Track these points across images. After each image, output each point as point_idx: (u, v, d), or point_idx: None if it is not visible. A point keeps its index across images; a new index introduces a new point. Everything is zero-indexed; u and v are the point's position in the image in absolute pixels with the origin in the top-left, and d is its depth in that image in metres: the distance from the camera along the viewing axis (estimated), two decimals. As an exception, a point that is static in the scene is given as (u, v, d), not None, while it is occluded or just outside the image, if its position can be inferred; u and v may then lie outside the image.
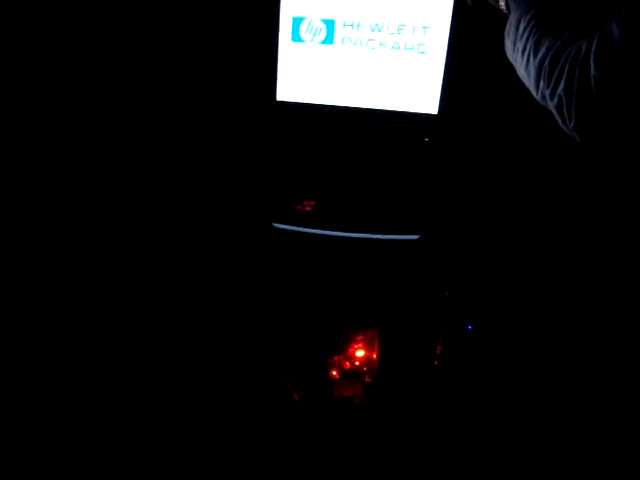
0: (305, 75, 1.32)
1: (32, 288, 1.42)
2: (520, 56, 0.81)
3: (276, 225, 1.31)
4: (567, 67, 0.66)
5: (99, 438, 1.38)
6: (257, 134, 1.35)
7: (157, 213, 1.42)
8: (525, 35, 0.79)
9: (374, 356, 1.44)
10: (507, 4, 0.90)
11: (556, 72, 0.69)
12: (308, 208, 1.33)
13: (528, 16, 0.80)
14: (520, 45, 0.81)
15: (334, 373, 1.43)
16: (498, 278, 1.42)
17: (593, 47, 0.62)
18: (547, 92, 0.71)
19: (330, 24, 1.29)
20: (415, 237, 1.31)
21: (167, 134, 1.39)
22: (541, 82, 0.73)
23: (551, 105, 0.71)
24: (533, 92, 0.78)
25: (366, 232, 1.30)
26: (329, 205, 1.34)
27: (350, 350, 1.44)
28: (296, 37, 1.30)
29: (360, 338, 1.44)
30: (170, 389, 1.44)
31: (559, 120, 0.71)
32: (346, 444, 1.40)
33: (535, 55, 0.75)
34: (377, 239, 1.29)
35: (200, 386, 1.44)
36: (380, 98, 1.34)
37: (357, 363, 1.44)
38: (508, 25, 0.87)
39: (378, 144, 1.35)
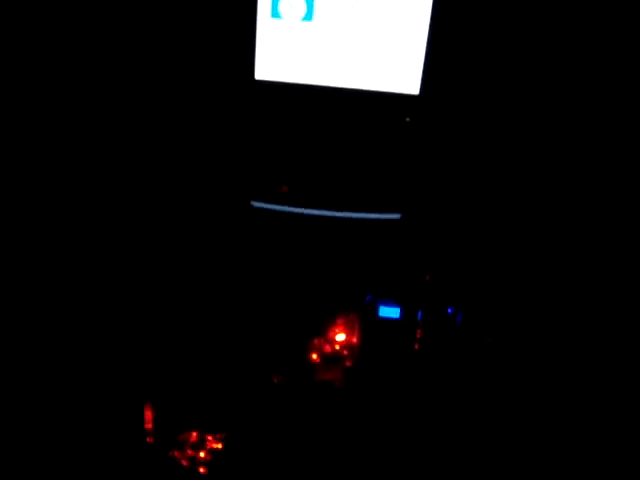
0: (284, 53, 1.30)
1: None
2: None
3: (255, 204, 1.29)
4: None
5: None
6: (235, 113, 1.32)
7: (133, 193, 1.39)
8: None
9: (354, 340, 1.42)
10: None
11: None
12: (287, 187, 1.31)
13: None
14: None
15: (314, 357, 1.41)
16: (480, 260, 1.41)
17: None
18: None
19: (310, 0, 1.27)
20: (396, 216, 1.29)
21: (142, 114, 1.36)
22: None
23: None
24: None
25: (346, 211, 1.28)
26: (309, 184, 1.32)
27: (330, 334, 1.41)
28: (275, 13, 1.28)
29: (341, 322, 1.42)
30: (144, 371, 1.40)
31: None
32: (326, 429, 1.38)
33: None
34: (357, 218, 1.28)
35: (175, 369, 1.41)
36: (361, 77, 1.32)
37: (337, 347, 1.42)
38: None
39: (359, 124, 1.34)
